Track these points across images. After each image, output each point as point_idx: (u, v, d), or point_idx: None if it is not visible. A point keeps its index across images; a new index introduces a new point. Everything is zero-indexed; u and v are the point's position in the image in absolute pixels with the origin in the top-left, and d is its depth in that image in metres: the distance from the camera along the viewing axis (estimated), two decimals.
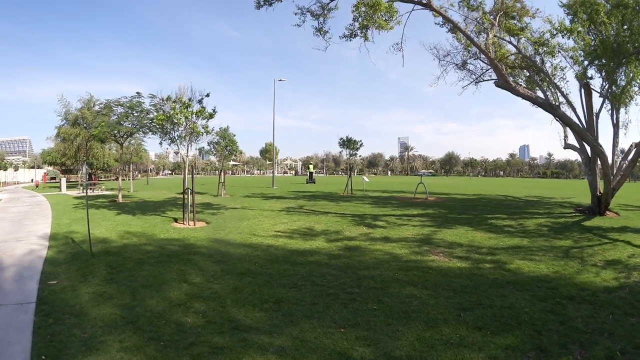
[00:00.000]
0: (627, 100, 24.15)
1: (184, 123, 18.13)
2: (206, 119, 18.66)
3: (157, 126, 19.33)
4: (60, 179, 55.71)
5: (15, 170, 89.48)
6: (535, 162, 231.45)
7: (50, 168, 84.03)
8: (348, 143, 38.44)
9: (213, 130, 19.08)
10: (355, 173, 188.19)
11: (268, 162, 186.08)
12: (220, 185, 35.71)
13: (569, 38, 22.88)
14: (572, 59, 24.26)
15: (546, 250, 12.83)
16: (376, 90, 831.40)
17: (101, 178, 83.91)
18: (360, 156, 41.90)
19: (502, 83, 21.19)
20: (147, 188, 51.31)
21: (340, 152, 40.56)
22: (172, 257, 11.54)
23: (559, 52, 25.12)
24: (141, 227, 16.80)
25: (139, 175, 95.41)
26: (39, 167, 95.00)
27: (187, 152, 19.24)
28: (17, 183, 77.63)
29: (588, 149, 22.94)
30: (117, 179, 46.49)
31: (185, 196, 18.49)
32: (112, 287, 8.74)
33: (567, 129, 26.45)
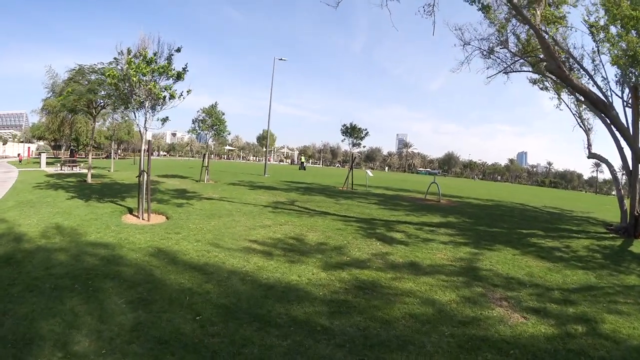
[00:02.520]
0: None
1: (139, 83, 13.14)
2: (172, 79, 13.70)
3: (112, 88, 14.46)
4: (39, 155, 52.39)
5: (4, 144, 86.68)
6: (535, 169, 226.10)
7: (41, 143, 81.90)
8: (352, 131, 32.77)
9: (182, 96, 13.95)
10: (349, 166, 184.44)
11: (264, 149, 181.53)
12: (204, 170, 30.39)
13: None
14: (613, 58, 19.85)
15: (623, 293, 9.04)
16: (378, 86, 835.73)
17: (93, 156, 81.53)
18: (364, 146, 38.28)
19: (554, 68, 17.07)
20: (131, 168, 45.45)
21: (342, 141, 34.64)
22: (79, 280, 7.41)
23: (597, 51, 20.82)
24: (80, 220, 12.71)
25: (134, 155, 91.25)
26: (30, 142, 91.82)
27: (145, 123, 14.07)
28: (5, 157, 74.26)
29: (629, 160, 19.22)
30: (107, 157, 43.97)
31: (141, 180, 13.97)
32: None
33: (591, 136, 23.70)
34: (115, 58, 16.30)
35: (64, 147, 55.89)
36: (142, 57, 13.17)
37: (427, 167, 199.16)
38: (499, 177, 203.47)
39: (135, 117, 14.19)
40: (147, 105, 13.54)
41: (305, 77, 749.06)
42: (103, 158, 76.53)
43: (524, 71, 25.18)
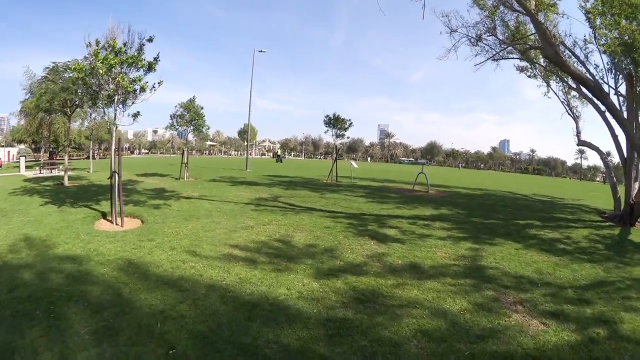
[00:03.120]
0: None
1: (106, 76, 11.95)
2: (143, 70, 12.53)
3: (79, 83, 13.20)
4: (19, 159, 50.94)
5: None
6: (518, 157, 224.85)
7: (23, 146, 79.76)
8: (335, 122, 31.54)
9: (154, 88, 12.75)
10: (331, 158, 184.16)
11: (245, 143, 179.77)
12: (183, 167, 29.08)
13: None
14: (604, 46, 19.47)
15: (634, 287, 8.46)
16: (360, 78, 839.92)
17: (72, 156, 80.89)
18: (348, 137, 37.24)
19: (551, 54, 16.39)
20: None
21: (325, 132, 33.52)
22: (42, 304, 6.39)
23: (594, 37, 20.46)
24: (50, 229, 11.60)
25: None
26: (10, 146, 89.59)
27: (115, 119, 12.87)
28: None
29: (624, 148, 19.16)
30: (88, 157, 42.93)
31: (113, 182, 12.79)
32: None
33: (580, 124, 24.11)
34: (86, 55, 14.74)
35: (42, 150, 54.22)
36: (110, 48, 11.98)
37: (410, 156, 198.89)
38: (482, 165, 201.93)
39: (104, 113, 13.09)
40: (116, 99, 12.33)
41: (287, 71, 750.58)
42: (84, 158, 74.83)
43: (512, 58, 24.92)
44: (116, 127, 12.95)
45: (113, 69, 12.02)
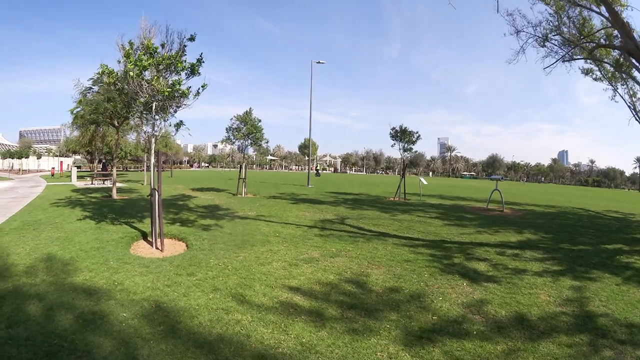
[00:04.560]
0: None
1: (138, 78, 10.41)
2: (185, 73, 10.92)
3: (113, 89, 11.96)
4: (71, 169, 51.71)
5: (38, 159, 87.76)
6: (578, 168, 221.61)
7: (78, 157, 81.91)
8: (402, 135, 29.58)
9: (198, 94, 11.19)
10: (397, 173, 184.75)
11: (306, 158, 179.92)
12: (241, 182, 27.92)
13: None
14: None
15: None
16: (416, 90, 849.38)
17: (130, 168, 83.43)
18: (416, 151, 35.73)
19: (632, 48, 15.14)
20: (167, 181, 44.30)
21: (392, 146, 32.03)
22: (38, 353, 5.14)
23: None
24: (78, 250, 10.48)
25: (172, 167, 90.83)
26: (65, 156, 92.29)
27: (154, 128, 11.33)
28: (39, 171, 76.09)
29: None
30: (145, 170, 43.48)
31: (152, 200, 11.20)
32: None
33: None
34: (119, 59, 13.54)
35: (96, 161, 54.87)
36: (144, 48, 10.60)
37: (471, 170, 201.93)
38: (543, 179, 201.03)
39: (142, 122, 11.62)
40: (154, 107, 10.83)
41: (344, 85, 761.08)
42: (140, 170, 76.09)
43: (579, 59, 24.30)
44: (156, 139, 11.41)
45: (147, 72, 10.61)
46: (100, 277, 8.09)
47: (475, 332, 6.04)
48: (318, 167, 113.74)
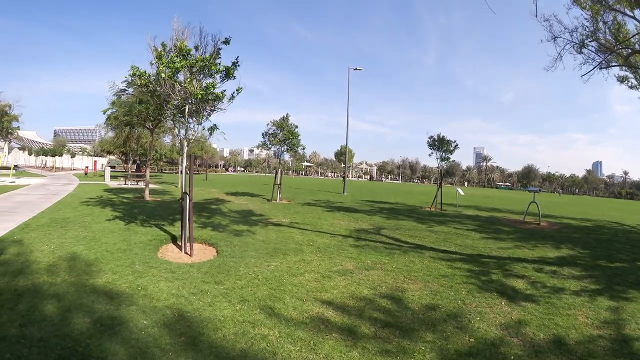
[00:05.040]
0: None
1: (171, 81, 10.35)
2: (219, 76, 10.84)
3: (145, 91, 12.05)
4: (105, 169, 52.68)
5: (72, 157, 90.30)
6: (611, 180, 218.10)
7: (113, 157, 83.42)
8: (440, 144, 29.17)
9: (233, 97, 11.02)
10: (428, 182, 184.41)
11: (342, 165, 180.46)
12: (276, 188, 27.70)
13: None
14: None
15: None
16: (453, 98, 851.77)
17: (165, 170, 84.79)
18: (453, 160, 35.16)
19: None
20: (201, 184, 44.68)
21: (429, 155, 31.38)
22: (49, 357, 5.00)
23: None
24: (104, 251, 10.44)
25: (206, 171, 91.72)
26: (100, 156, 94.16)
27: (186, 132, 11.24)
28: (73, 169, 79.53)
29: None
30: (180, 172, 43.94)
31: (183, 204, 11.11)
32: None
33: None
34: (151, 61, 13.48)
35: (130, 162, 55.52)
36: (177, 50, 10.51)
37: (506, 181, 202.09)
38: (577, 190, 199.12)
39: (174, 126, 11.52)
40: (187, 110, 10.71)
41: (381, 93, 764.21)
42: (175, 173, 76.91)
43: (615, 66, 24.18)
44: (188, 142, 11.23)
45: (180, 74, 10.54)
46: (124, 281, 7.93)
47: (512, 357, 5.64)
48: (345, 175, 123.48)
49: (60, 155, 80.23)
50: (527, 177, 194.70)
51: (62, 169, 74.34)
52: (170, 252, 10.92)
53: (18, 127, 47.71)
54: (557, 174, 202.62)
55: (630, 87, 25.03)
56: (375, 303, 7.49)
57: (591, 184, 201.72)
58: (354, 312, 6.95)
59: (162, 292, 7.37)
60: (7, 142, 53.27)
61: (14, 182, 31.63)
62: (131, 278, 8.12)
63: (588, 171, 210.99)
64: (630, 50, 20.60)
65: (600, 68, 23.23)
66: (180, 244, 11.54)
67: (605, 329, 6.84)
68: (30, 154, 78.34)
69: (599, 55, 22.94)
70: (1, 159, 38.46)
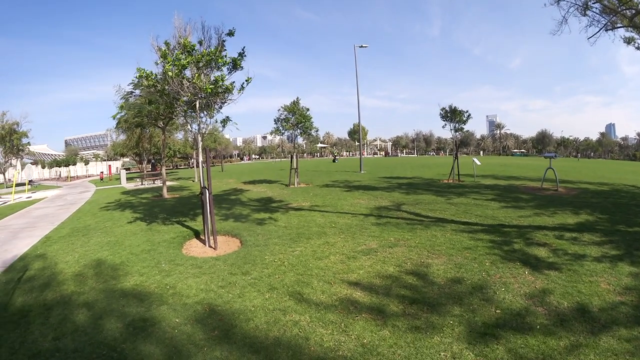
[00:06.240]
0: None
1: (178, 78, 10.40)
2: (226, 68, 10.90)
3: (154, 91, 11.88)
4: (120, 171, 52.90)
5: (85, 164, 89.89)
6: (626, 142, 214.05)
7: (127, 159, 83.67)
8: (452, 115, 28.69)
9: (242, 88, 11.07)
10: (444, 154, 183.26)
11: (357, 144, 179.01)
12: (293, 172, 27.80)
13: None
14: None
15: None
16: (461, 67, 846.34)
17: (180, 166, 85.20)
18: (467, 131, 34.98)
19: None
20: (218, 176, 44.71)
21: (443, 127, 31.35)
22: None
23: None
24: (129, 253, 10.66)
25: (222, 162, 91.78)
26: (114, 159, 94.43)
27: (199, 126, 11.28)
28: (88, 176, 77.97)
29: None
30: (192, 166, 43.93)
31: (203, 199, 11.12)
32: None
33: None
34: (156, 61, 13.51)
35: (144, 162, 55.53)
36: (181, 47, 10.55)
37: (521, 148, 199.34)
38: (592, 154, 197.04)
39: (187, 121, 11.61)
40: (198, 105, 10.77)
41: (389, 68, 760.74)
42: (191, 167, 77.07)
43: (620, 27, 23.81)
44: (202, 137, 11.30)
45: (187, 70, 10.59)
46: (152, 282, 8.08)
47: (538, 327, 5.73)
48: (335, 153, 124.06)
49: (74, 164, 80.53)
50: (541, 143, 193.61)
51: (77, 177, 73.77)
52: (194, 248, 11.04)
53: (28, 142, 47.82)
54: (571, 138, 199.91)
55: (638, 48, 24.64)
56: (401, 280, 7.62)
57: (605, 146, 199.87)
58: (382, 291, 7.08)
59: (190, 288, 7.51)
60: (19, 159, 53.52)
61: (30, 197, 31.73)
62: (159, 278, 8.27)
63: (602, 134, 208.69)
64: (634, 11, 20.31)
65: (606, 30, 23.07)
66: (203, 238, 11.64)
67: (627, 295, 6.89)
68: (43, 167, 78.60)
69: (603, 17, 22.74)
70: (15, 177, 38.66)
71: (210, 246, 10.91)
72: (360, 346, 5.20)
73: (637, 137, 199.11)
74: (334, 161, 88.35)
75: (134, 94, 24.85)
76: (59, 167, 76.80)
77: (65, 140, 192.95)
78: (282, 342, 5.36)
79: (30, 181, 51.06)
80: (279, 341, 5.38)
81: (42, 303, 7.27)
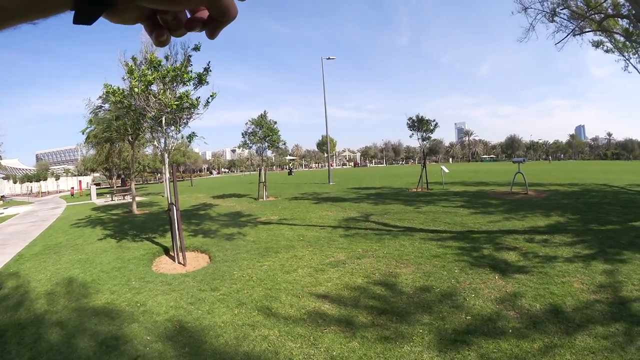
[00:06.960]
0: None
1: (144, 94, 10.48)
2: (192, 83, 10.87)
3: (121, 107, 11.99)
4: (90, 187, 52.26)
5: (56, 180, 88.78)
6: (596, 142, 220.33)
7: (97, 174, 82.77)
8: (419, 124, 29.60)
9: (208, 103, 11.16)
10: (413, 162, 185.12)
11: (325, 155, 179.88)
12: (261, 186, 27.71)
13: None
14: None
15: None
16: (430, 76, 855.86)
17: (149, 180, 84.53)
18: (434, 140, 35.73)
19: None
20: (187, 190, 44.59)
21: (410, 136, 32.36)
22: None
23: None
24: (100, 271, 10.56)
25: (191, 176, 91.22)
26: (84, 175, 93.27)
27: (166, 142, 11.28)
28: (59, 191, 77.74)
29: None
30: (162, 181, 43.67)
31: (170, 215, 11.00)
32: None
33: None
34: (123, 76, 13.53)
35: (114, 177, 55.09)
36: (148, 62, 10.52)
37: (490, 153, 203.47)
38: (562, 155, 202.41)
39: (152, 137, 11.62)
40: (164, 120, 10.74)
41: (357, 79, 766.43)
42: (160, 182, 76.71)
43: (589, 31, 24.49)
44: (169, 153, 11.31)
45: (153, 86, 10.59)
46: (123, 299, 7.99)
47: (510, 330, 5.77)
48: (291, 166, 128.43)
49: (45, 179, 78.33)
50: (511, 148, 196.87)
51: (48, 192, 73.27)
52: (164, 264, 10.93)
53: (0, 157, 47.15)
54: (540, 141, 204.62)
55: (606, 51, 25.55)
56: (369, 291, 7.62)
57: (575, 148, 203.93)
58: (350, 303, 7.07)
59: (161, 305, 7.45)
60: None
61: (2, 213, 31.40)
62: (129, 295, 8.18)
63: (571, 136, 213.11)
64: (603, 15, 20.89)
65: (574, 35, 23.60)
66: (173, 254, 11.52)
67: (602, 293, 6.96)
68: (15, 182, 77.41)
69: (571, 22, 23.28)
70: None
71: (179, 262, 10.79)
72: (330, 358, 5.18)
73: (607, 137, 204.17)
74: (289, 174, 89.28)
75: (103, 108, 24.78)
76: (30, 182, 75.89)
77: (37, 155, 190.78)
78: (252, 357, 5.32)
79: (2, 197, 50.19)
80: (248, 356, 5.34)
81: (17, 322, 7.20)
